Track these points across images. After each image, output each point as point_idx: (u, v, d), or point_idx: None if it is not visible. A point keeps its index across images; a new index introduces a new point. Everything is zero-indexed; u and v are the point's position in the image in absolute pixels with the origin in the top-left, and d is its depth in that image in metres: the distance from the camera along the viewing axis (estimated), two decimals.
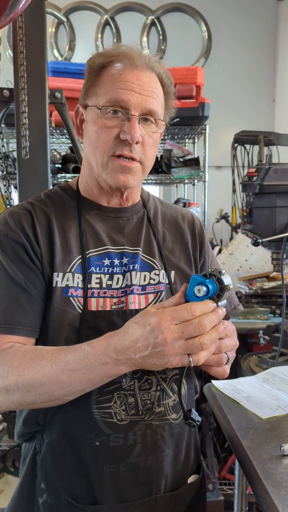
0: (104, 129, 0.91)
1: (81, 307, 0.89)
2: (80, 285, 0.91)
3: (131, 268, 0.96)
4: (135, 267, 0.96)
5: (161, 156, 2.99)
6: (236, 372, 2.17)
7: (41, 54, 1.77)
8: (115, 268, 0.95)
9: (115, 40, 4.96)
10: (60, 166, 3.00)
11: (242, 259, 2.81)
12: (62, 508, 0.89)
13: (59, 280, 0.90)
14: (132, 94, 0.90)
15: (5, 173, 2.09)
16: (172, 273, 1.00)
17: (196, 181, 3.24)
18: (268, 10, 4.85)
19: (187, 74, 2.66)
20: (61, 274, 0.91)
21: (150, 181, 3.17)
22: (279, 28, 4.83)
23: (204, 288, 0.76)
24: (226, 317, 1.09)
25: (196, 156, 3.10)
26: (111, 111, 0.91)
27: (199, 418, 0.83)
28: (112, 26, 4.92)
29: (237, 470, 1.33)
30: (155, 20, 4.92)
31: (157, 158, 3.06)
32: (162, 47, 4.98)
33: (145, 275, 0.97)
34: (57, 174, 2.90)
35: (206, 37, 4.90)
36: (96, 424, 0.87)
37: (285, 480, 0.84)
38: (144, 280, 0.96)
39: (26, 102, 1.74)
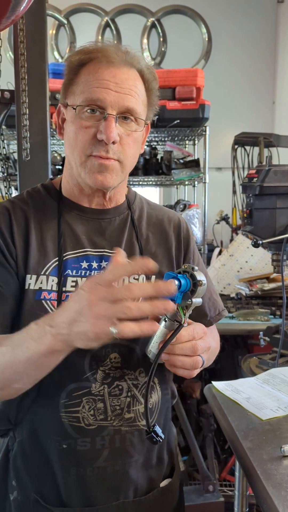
0: (81, 129, 0.89)
1: (54, 310, 0.87)
2: (54, 288, 0.89)
3: None
4: None
5: (161, 157, 3.00)
6: (236, 373, 2.17)
7: (42, 56, 1.78)
8: (93, 271, 0.93)
9: (115, 42, 4.97)
10: (60, 167, 3.01)
11: (242, 261, 2.81)
12: (31, 507, 0.90)
13: (32, 282, 0.89)
14: (108, 92, 0.87)
15: (5, 174, 2.09)
16: (153, 277, 0.97)
17: (196, 182, 3.24)
18: (268, 12, 4.86)
19: (187, 76, 2.66)
20: (34, 277, 0.89)
21: (151, 183, 3.17)
22: (279, 30, 4.84)
23: (176, 282, 0.75)
24: (209, 323, 1.07)
25: (196, 158, 3.11)
26: (88, 111, 0.89)
27: (162, 436, 0.79)
28: (113, 28, 4.93)
29: (238, 471, 1.33)
30: (156, 22, 4.92)
31: (157, 159, 3.08)
32: (163, 49, 4.99)
33: (123, 279, 0.93)
34: (58, 175, 2.90)
35: (206, 39, 4.91)
36: (63, 428, 0.87)
37: (286, 481, 0.84)
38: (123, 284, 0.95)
39: (27, 104, 1.75)
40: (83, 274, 0.92)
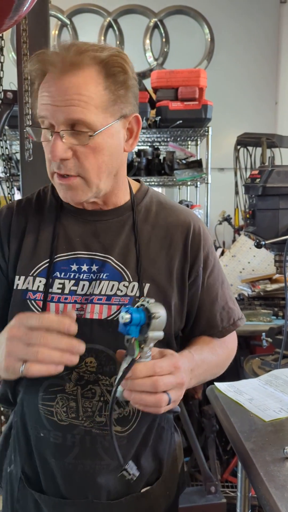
0: (45, 147, 0.88)
1: (39, 310, 0.89)
2: (40, 289, 0.90)
3: (99, 276, 0.91)
4: (102, 276, 0.91)
5: (164, 158, 3.00)
6: (238, 374, 2.17)
7: None
8: (82, 274, 0.91)
9: (117, 42, 4.97)
10: None
11: (244, 261, 2.80)
12: (19, 483, 0.96)
13: (20, 283, 0.92)
14: (49, 108, 0.81)
15: (8, 175, 2.09)
16: (147, 285, 0.91)
17: (198, 183, 3.24)
18: (271, 12, 4.86)
19: (190, 76, 2.66)
20: (23, 278, 0.92)
21: (153, 183, 3.17)
22: (282, 30, 4.83)
23: (127, 315, 0.73)
24: (221, 334, 1.00)
25: (198, 158, 3.11)
26: (44, 128, 0.85)
27: (137, 472, 0.77)
28: (115, 28, 4.93)
29: (240, 472, 1.32)
30: (158, 23, 4.93)
31: (159, 160, 3.08)
32: (165, 50, 4.99)
33: (113, 285, 0.90)
34: None
35: (209, 39, 4.91)
36: (40, 418, 0.91)
37: None
38: (111, 290, 0.90)
39: (30, 104, 1.74)
40: (71, 276, 0.91)
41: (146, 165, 2.93)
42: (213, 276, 0.99)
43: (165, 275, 0.93)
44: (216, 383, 1.29)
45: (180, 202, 3.22)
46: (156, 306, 0.74)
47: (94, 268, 0.91)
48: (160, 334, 0.74)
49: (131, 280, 0.91)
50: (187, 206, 3.07)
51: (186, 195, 4.08)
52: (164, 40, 4.97)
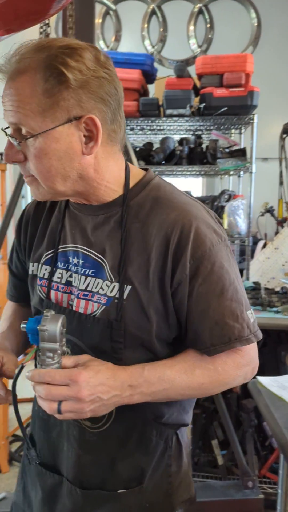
0: None
1: (44, 295, 0.96)
2: (46, 276, 0.96)
3: (86, 271, 0.91)
4: (87, 272, 0.90)
5: (207, 147, 2.93)
6: (279, 369, 2.11)
7: (91, 42, 1.77)
8: (75, 267, 0.93)
9: (161, 29, 4.91)
10: None
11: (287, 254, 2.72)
12: (27, 449, 1.03)
13: (30, 268, 1.00)
14: (4, 112, 0.83)
15: None
16: (128, 288, 0.86)
17: (242, 172, 3.16)
18: None
19: (236, 62, 2.57)
20: (36, 264, 0.99)
21: (194, 172, 3.12)
22: None
23: (23, 324, 0.80)
24: (208, 353, 0.86)
25: (242, 147, 3.02)
26: None
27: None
28: (159, 15, 4.87)
29: (281, 469, 1.29)
30: (203, 8, 4.82)
31: (201, 148, 3.02)
32: (209, 36, 4.89)
33: (98, 282, 0.89)
34: None
35: (256, 24, 4.76)
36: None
37: None
38: (96, 287, 0.89)
39: None
40: (68, 268, 0.94)
41: (188, 154, 2.88)
42: (207, 285, 0.85)
43: (144, 279, 0.86)
44: (258, 377, 1.26)
45: (223, 192, 3.14)
46: (48, 320, 0.77)
47: (81, 262, 0.92)
48: (52, 346, 0.77)
49: (113, 280, 0.87)
50: (229, 196, 2.99)
51: (227, 185, 4.00)
52: (208, 26, 4.87)
